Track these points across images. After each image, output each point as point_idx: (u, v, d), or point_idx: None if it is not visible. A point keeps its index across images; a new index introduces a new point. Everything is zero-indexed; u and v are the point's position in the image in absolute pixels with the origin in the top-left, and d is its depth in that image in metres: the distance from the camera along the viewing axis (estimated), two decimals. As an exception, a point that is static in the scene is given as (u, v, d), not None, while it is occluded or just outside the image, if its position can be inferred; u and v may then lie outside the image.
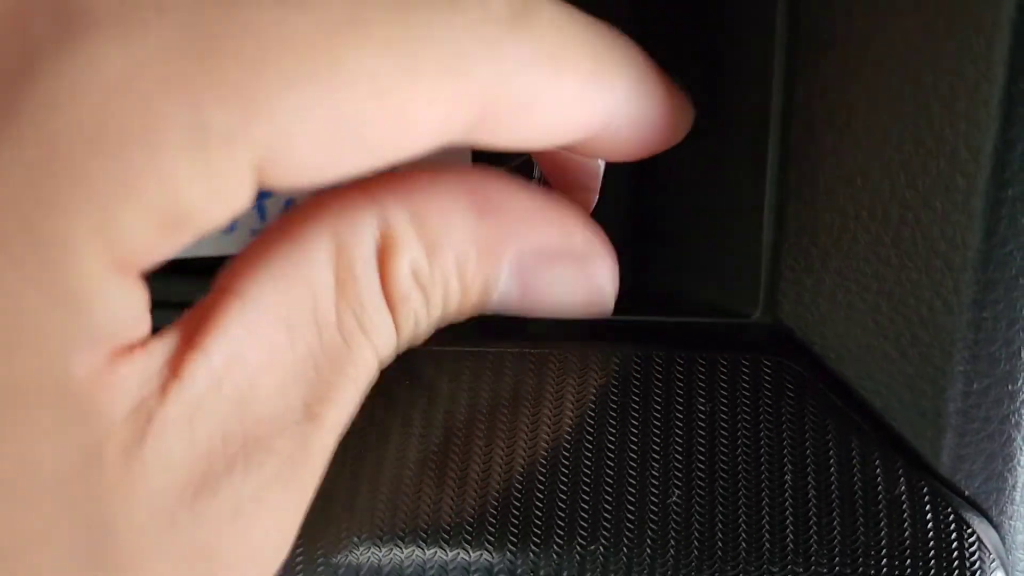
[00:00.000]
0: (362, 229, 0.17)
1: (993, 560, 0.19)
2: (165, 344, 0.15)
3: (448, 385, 0.22)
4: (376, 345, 0.17)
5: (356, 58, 0.14)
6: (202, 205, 0.14)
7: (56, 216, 0.12)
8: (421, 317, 0.18)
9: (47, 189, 0.12)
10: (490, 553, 0.20)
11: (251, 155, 0.13)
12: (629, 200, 0.20)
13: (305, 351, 0.16)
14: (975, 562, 0.19)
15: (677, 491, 0.20)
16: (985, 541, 0.19)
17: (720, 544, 0.20)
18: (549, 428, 0.21)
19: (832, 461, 0.20)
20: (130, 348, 0.15)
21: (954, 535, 0.20)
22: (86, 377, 0.14)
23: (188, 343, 0.15)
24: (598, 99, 0.17)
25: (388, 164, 0.15)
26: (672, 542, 0.20)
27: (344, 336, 0.17)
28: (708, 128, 0.22)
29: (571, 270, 0.19)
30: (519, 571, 0.20)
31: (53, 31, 0.13)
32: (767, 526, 0.20)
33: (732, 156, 0.22)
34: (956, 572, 0.19)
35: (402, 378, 0.22)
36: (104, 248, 0.13)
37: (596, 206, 0.24)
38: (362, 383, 0.17)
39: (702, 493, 0.20)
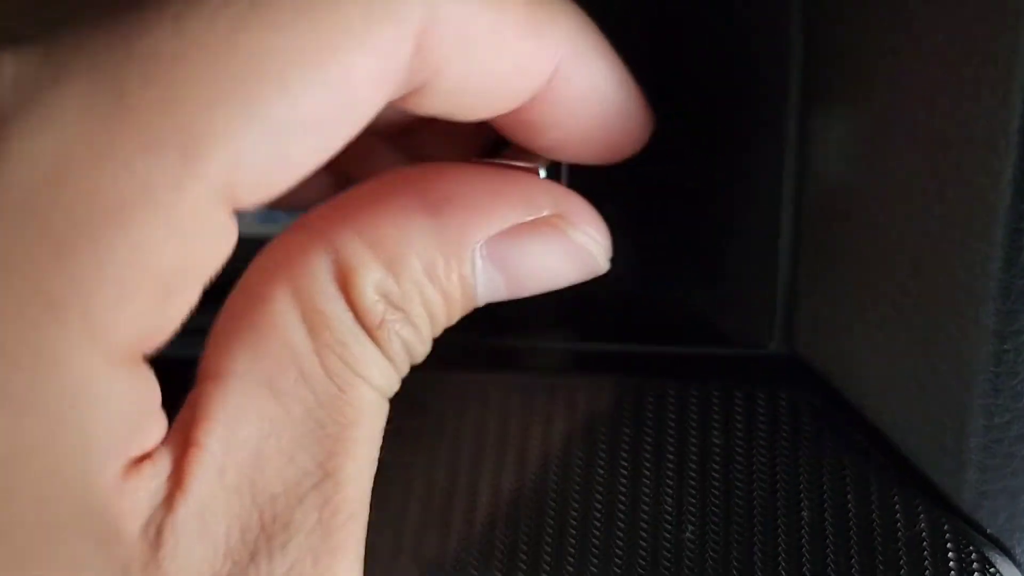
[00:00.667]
0: (315, 267, 0.16)
1: (1018, 601, 0.19)
2: (167, 450, 0.15)
3: (454, 417, 0.22)
4: (371, 380, 0.16)
5: (271, 48, 0.13)
6: (183, 261, 0.13)
7: (29, 330, 0.12)
8: (409, 336, 0.17)
9: (14, 304, 0.12)
10: (499, 589, 0.20)
11: (207, 191, 0.13)
12: (643, 229, 0.20)
13: (301, 411, 0.16)
14: (999, 603, 0.19)
15: (691, 526, 0.20)
16: None
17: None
18: (559, 460, 0.21)
19: (850, 498, 0.20)
20: (139, 459, 0.14)
21: (976, 575, 0.19)
22: (108, 490, 0.13)
23: (185, 442, 0.15)
24: (541, 43, 0.17)
25: (346, 139, 0.15)
26: None
27: (335, 381, 0.16)
28: (724, 158, 0.22)
29: (547, 239, 0.18)
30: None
31: None
32: (783, 563, 0.19)
33: (748, 185, 0.22)
34: None
35: (410, 408, 0.22)
36: (96, 343, 0.13)
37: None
38: (371, 424, 0.17)
39: (716, 529, 0.20)
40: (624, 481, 0.21)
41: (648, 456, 0.21)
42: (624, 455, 0.21)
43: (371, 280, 0.16)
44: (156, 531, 0.14)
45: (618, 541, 0.20)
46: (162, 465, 0.15)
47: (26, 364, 0.12)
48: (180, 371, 0.16)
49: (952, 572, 0.19)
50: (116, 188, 0.12)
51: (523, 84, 0.17)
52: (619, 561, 0.20)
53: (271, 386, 0.16)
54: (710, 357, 0.23)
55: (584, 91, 0.18)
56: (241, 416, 0.15)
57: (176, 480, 0.15)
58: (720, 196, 0.22)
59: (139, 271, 0.13)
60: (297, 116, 0.13)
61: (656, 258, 0.21)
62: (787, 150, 0.21)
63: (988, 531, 0.19)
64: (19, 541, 0.13)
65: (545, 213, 0.18)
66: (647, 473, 0.21)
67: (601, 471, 0.21)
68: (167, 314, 0.13)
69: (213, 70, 0.13)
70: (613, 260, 0.19)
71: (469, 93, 0.16)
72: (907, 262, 0.19)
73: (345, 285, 0.16)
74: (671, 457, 0.21)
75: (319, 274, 0.16)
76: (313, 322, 0.16)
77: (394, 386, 0.17)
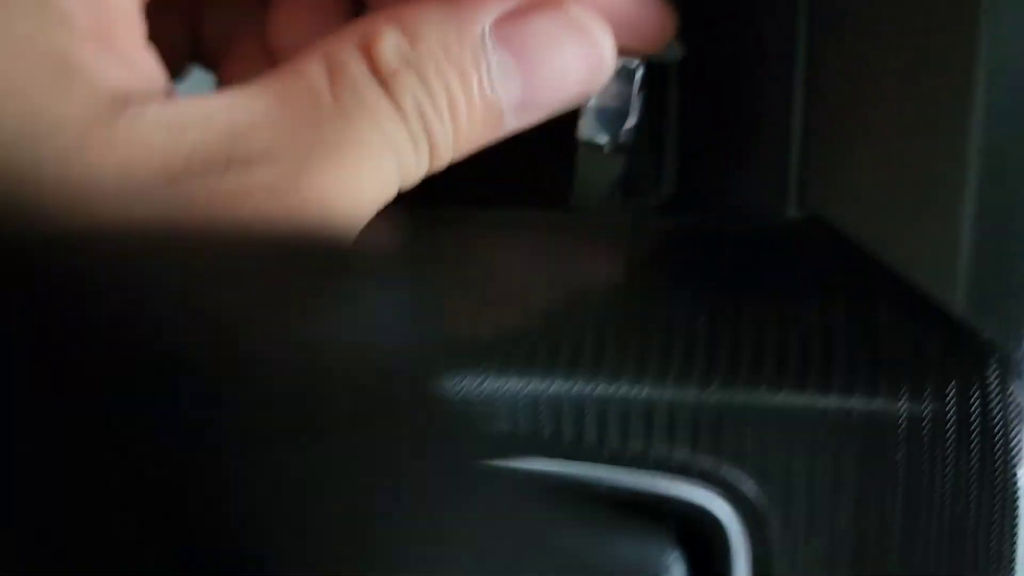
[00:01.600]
0: (344, 38, 0.19)
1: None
2: (166, 99, 0.18)
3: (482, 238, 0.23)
4: (378, 119, 0.18)
5: None
6: None
7: None
8: (422, 98, 0.19)
9: None
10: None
11: None
12: (653, 104, 0.22)
13: (296, 113, 0.18)
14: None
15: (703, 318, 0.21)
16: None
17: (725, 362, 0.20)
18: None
19: (854, 303, 0.21)
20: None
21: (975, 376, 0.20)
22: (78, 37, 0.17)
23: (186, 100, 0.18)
24: None
25: None
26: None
27: (342, 106, 0.18)
28: (736, 28, 0.24)
29: (549, 16, 0.20)
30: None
31: None
32: (794, 356, 0.20)
33: (761, 60, 0.24)
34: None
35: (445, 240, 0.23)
36: None
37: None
38: (368, 157, 0.18)
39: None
40: None
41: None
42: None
43: (389, 43, 0.19)
44: (123, 101, 0.17)
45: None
46: (160, 91, 0.18)
47: None
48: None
49: (953, 373, 0.20)
50: None
51: None
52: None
53: (281, 95, 0.18)
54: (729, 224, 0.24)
55: None
56: (243, 95, 0.18)
57: (163, 102, 0.17)
58: (733, 73, 0.24)
59: None
60: None
61: (667, 134, 0.22)
62: (799, 20, 0.23)
63: (984, 336, 0.20)
64: None
65: None
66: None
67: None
68: None
69: None
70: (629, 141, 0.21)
71: None
72: (902, 97, 0.21)
73: (366, 48, 0.19)
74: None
75: (346, 41, 0.19)
76: (333, 71, 0.18)
77: (405, 152, 0.19)
